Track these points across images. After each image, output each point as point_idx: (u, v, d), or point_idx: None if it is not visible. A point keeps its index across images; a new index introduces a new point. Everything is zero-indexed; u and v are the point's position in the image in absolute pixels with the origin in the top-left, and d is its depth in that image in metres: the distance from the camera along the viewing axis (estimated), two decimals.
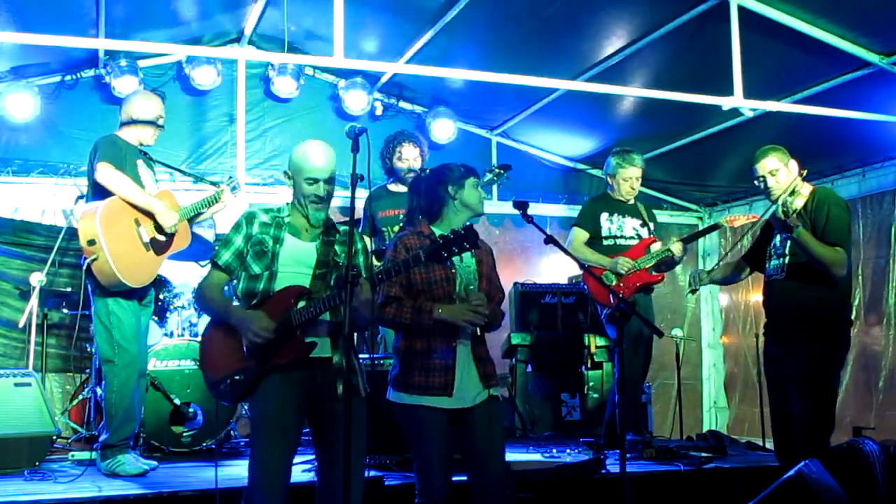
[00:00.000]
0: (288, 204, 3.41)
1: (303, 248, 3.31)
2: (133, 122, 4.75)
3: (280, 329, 3.14)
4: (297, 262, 3.27)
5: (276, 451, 3.13)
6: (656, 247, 5.55)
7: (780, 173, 4.24)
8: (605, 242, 5.52)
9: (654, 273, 5.53)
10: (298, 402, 3.18)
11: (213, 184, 5.05)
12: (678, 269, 8.08)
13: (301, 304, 3.18)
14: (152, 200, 4.58)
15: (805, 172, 4.29)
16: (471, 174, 3.63)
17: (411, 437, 3.47)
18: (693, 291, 4.92)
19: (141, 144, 4.80)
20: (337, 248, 3.34)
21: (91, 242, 4.36)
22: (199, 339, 5.31)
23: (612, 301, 5.38)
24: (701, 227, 8.49)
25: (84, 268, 4.44)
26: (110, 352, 4.50)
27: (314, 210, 3.31)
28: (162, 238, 4.64)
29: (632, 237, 5.57)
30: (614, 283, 5.37)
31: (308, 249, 3.31)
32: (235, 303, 3.40)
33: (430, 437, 3.41)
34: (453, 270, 3.49)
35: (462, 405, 3.43)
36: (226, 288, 3.44)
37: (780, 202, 4.19)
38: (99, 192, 4.52)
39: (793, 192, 4.20)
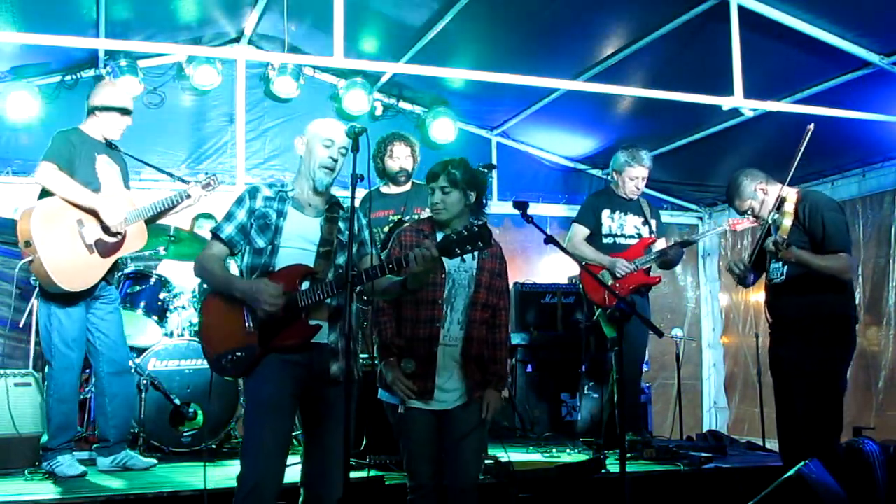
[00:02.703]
0: (292, 179, 3.38)
1: (307, 223, 3.28)
2: (95, 110, 4.56)
3: (285, 309, 3.12)
4: (300, 237, 3.24)
5: (273, 436, 3.10)
6: (656, 247, 5.55)
7: (755, 205, 4.27)
8: (605, 240, 5.53)
9: (651, 274, 5.53)
10: (294, 388, 3.17)
11: (182, 180, 4.86)
12: (678, 268, 8.10)
13: (305, 284, 3.16)
14: (96, 200, 4.39)
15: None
16: (427, 179, 3.61)
17: (399, 436, 3.51)
18: (745, 283, 4.42)
19: (106, 139, 4.61)
20: (340, 224, 3.32)
21: (27, 244, 4.23)
22: (197, 338, 5.32)
23: (606, 301, 5.39)
24: (700, 227, 8.50)
25: (16, 269, 4.36)
26: (48, 354, 4.45)
27: (323, 174, 3.27)
28: (111, 239, 4.48)
29: (632, 236, 5.57)
30: (610, 282, 5.36)
31: (312, 225, 3.28)
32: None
33: (413, 436, 3.45)
34: (443, 276, 3.48)
35: (443, 407, 3.46)
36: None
37: (770, 221, 4.16)
38: (47, 190, 4.37)
39: (780, 207, 4.16)
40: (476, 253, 3.47)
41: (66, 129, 4.57)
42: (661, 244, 5.61)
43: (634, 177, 5.51)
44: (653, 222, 5.65)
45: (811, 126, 4.09)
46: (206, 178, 4.80)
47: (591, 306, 5.66)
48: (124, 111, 4.62)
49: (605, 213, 5.57)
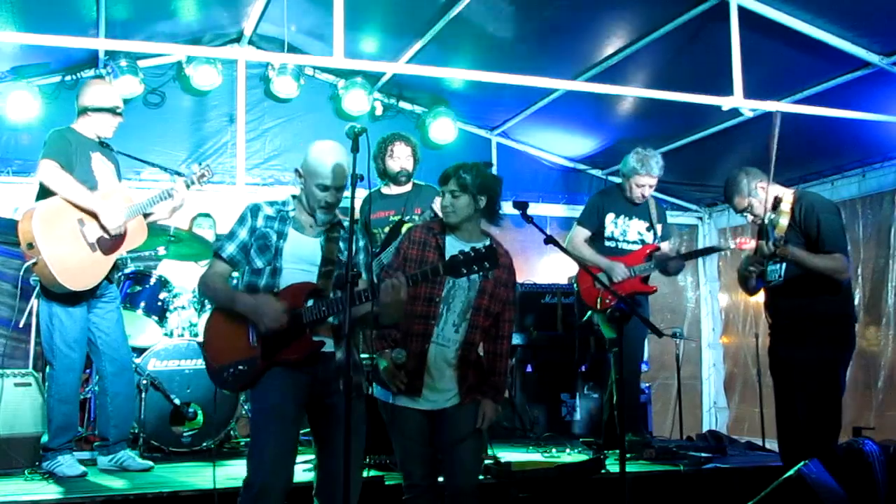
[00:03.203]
0: (293, 197, 3.38)
1: (307, 243, 3.29)
2: (87, 110, 4.56)
3: (290, 325, 3.13)
4: (300, 258, 3.25)
5: (277, 441, 3.11)
6: (659, 254, 5.54)
7: (754, 203, 4.26)
8: (607, 244, 5.50)
9: (647, 283, 5.51)
10: (300, 397, 3.18)
11: (178, 173, 4.81)
12: None
13: (310, 302, 3.18)
14: (95, 203, 4.38)
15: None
16: (439, 181, 3.61)
17: (391, 432, 3.54)
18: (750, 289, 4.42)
19: (99, 137, 4.61)
20: (341, 244, 3.33)
21: (30, 246, 4.22)
22: (198, 339, 5.32)
23: (599, 305, 5.39)
24: (700, 227, 8.51)
25: (21, 271, 4.35)
26: (49, 354, 4.45)
27: (321, 213, 3.29)
28: (111, 236, 4.49)
29: (634, 241, 5.53)
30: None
31: (312, 245, 3.29)
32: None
33: (403, 435, 3.48)
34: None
35: (433, 407, 3.46)
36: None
37: (766, 222, 4.16)
38: (45, 189, 4.37)
39: (776, 207, 4.17)
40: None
41: (61, 128, 4.57)
42: (665, 248, 5.58)
43: (641, 184, 5.44)
44: (658, 227, 5.58)
45: (777, 113, 4.12)
46: (201, 170, 4.76)
47: (584, 308, 5.66)
48: (115, 111, 4.62)
49: (610, 216, 5.52)
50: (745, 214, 4.35)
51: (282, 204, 3.34)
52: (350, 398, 2.91)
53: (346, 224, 3.37)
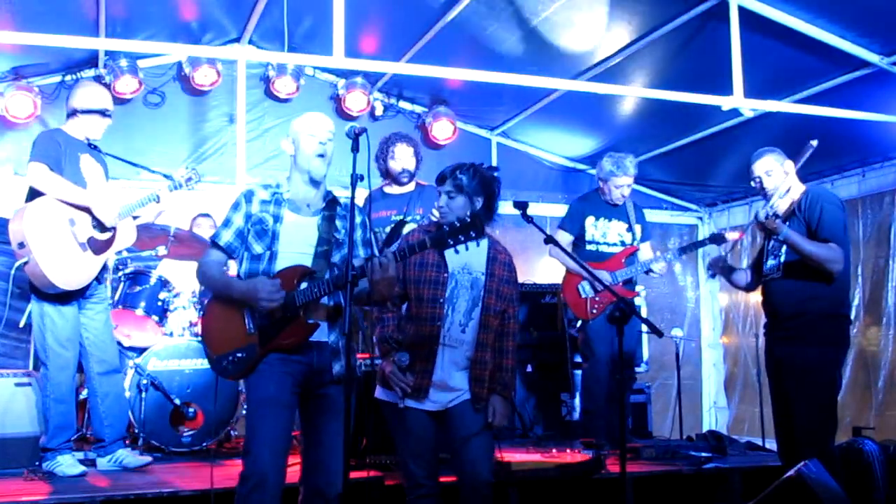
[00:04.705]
0: (286, 179, 3.38)
1: (304, 224, 3.29)
2: (76, 112, 4.55)
3: (284, 309, 3.14)
4: (298, 240, 3.25)
5: (273, 427, 3.11)
6: (642, 253, 5.55)
7: (776, 174, 4.26)
8: (588, 247, 5.54)
9: (629, 289, 5.51)
10: (295, 383, 3.19)
11: (166, 177, 4.81)
12: (678, 268, 8.11)
13: (304, 284, 3.18)
14: (89, 197, 4.40)
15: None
16: (436, 181, 3.61)
17: (395, 433, 3.53)
18: (713, 276, 4.71)
19: (88, 139, 4.60)
20: (338, 223, 3.33)
21: (20, 245, 4.23)
22: (198, 338, 5.32)
23: (588, 314, 5.41)
24: (700, 227, 8.50)
25: (12, 270, 4.35)
26: (43, 354, 4.44)
27: (318, 164, 3.28)
28: (102, 236, 4.49)
29: (615, 244, 5.57)
30: (591, 295, 5.38)
31: (309, 225, 3.29)
32: None
33: (406, 436, 3.47)
34: (445, 275, 3.49)
35: (438, 407, 3.46)
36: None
37: (769, 204, 4.19)
38: (35, 191, 4.38)
39: (786, 194, 4.23)
40: (486, 258, 3.54)
41: (50, 129, 4.60)
42: (646, 249, 5.63)
43: (620, 185, 5.50)
44: (637, 228, 5.62)
45: (814, 142, 4.19)
46: (188, 173, 4.76)
47: (571, 318, 5.67)
48: (104, 112, 4.62)
49: (590, 220, 5.56)
50: (755, 181, 4.33)
51: (276, 186, 3.34)
52: (350, 387, 2.92)
53: (342, 202, 3.37)
